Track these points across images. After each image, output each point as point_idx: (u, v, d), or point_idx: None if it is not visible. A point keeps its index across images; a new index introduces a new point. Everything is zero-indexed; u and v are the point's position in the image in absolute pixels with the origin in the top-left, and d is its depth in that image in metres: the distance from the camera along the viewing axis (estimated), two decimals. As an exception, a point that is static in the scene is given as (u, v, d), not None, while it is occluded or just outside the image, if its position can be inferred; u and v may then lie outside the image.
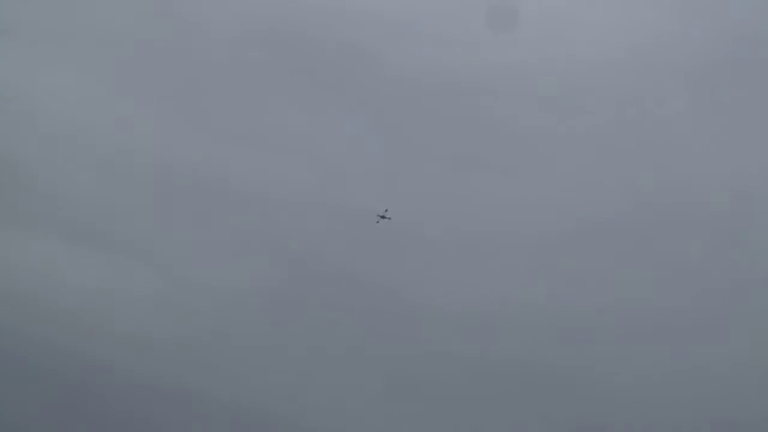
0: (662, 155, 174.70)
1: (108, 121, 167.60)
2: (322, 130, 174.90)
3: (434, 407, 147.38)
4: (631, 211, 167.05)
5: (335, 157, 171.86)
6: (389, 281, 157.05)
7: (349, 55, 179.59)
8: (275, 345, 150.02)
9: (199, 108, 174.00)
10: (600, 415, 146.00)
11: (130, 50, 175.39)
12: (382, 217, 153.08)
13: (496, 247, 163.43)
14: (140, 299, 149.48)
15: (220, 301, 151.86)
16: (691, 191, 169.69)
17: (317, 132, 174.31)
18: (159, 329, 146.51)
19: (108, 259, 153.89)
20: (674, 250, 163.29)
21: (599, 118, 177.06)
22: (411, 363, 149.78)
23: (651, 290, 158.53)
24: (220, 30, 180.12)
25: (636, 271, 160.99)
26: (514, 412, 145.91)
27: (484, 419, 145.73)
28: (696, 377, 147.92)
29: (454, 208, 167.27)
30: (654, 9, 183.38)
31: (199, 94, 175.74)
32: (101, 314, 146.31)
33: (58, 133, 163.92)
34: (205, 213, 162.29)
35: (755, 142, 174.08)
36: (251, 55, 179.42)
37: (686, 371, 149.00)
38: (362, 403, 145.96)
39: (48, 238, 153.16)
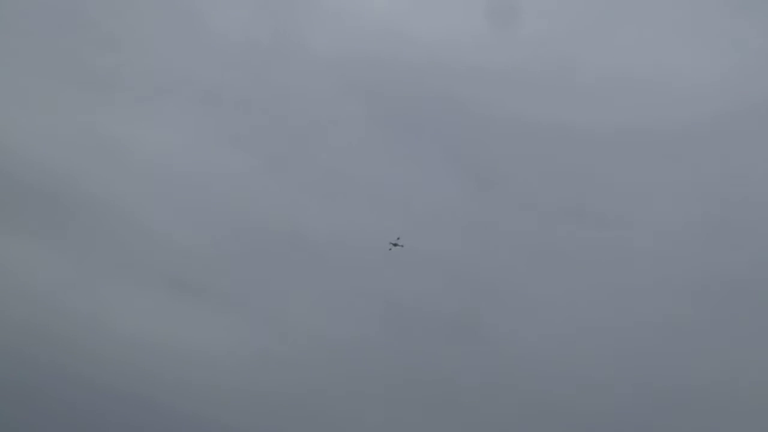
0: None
1: (208, 175, 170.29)
2: (417, 181, 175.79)
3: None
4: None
5: (430, 207, 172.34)
6: (488, 329, 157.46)
7: (444, 107, 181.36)
8: (374, 394, 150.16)
9: (298, 162, 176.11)
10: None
11: (230, 106, 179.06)
12: (395, 244, 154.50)
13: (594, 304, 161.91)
14: (243, 353, 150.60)
15: (320, 353, 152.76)
16: None
17: (412, 183, 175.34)
18: (261, 383, 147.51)
19: (210, 313, 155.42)
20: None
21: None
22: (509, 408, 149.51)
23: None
24: (317, 87, 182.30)
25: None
26: None
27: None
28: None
29: (553, 259, 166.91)
30: None
31: (297, 149, 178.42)
32: (205, 370, 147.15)
33: (159, 185, 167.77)
34: (302, 265, 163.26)
35: None
36: (347, 110, 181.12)
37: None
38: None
39: (153, 291, 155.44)
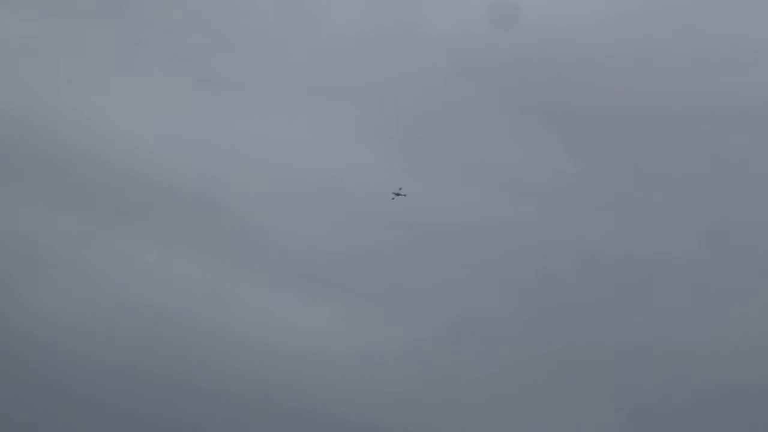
0: None
1: (334, 171, 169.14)
2: (540, 163, 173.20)
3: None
4: None
5: (556, 190, 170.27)
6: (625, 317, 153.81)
7: (564, 86, 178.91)
8: (511, 377, 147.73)
9: (414, 149, 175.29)
10: None
11: (351, 100, 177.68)
12: (397, 194, 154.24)
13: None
14: (375, 350, 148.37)
15: (450, 340, 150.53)
16: None
17: (534, 166, 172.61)
18: (395, 378, 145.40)
19: (338, 308, 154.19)
20: None
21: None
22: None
23: None
24: (430, 69, 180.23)
25: None
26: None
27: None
28: None
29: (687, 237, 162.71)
30: None
31: (413, 135, 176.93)
32: (336, 370, 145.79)
33: (284, 184, 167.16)
34: (433, 256, 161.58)
35: None
36: (463, 91, 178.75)
37: None
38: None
39: (283, 289, 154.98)
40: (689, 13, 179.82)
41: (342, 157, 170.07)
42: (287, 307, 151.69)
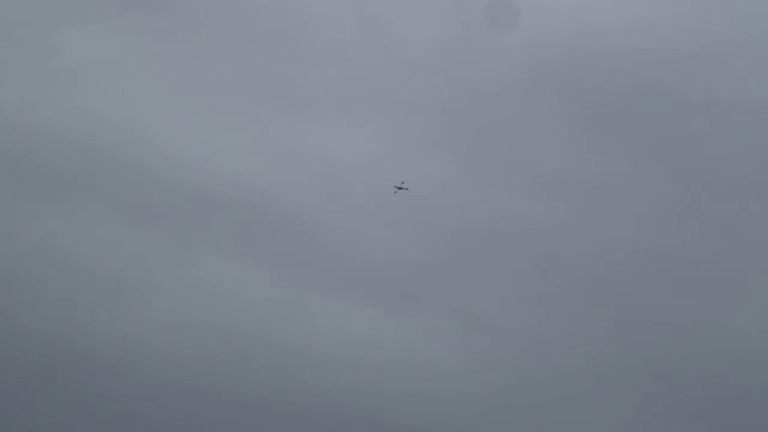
0: None
1: (408, 183, 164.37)
2: (621, 175, 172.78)
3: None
4: None
5: (637, 201, 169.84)
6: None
7: (647, 94, 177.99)
8: (591, 392, 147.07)
9: (498, 163, 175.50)
10: None
11: (425, 111, 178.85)
12: (399, 188, 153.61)
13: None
14: (455, 359, 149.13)
15: (527, 349, 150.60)
16: None
17: (616, 177, 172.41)
18: (477, 386, 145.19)
19: (415, 320, 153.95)
20: None
21: None
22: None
23: None
24: (510, 85, 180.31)
25: None
26: None
27: None
28: None
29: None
30: None
31: (497, 149, 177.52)
32: (416, 380, 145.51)
33: (358, 198, 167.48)
34: (510, 264, 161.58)
35: None
36: (535, 99, 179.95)
37: None
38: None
39: (360, 303, 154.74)
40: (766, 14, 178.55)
41: (416, 169, 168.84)
42: (364, 320, 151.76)
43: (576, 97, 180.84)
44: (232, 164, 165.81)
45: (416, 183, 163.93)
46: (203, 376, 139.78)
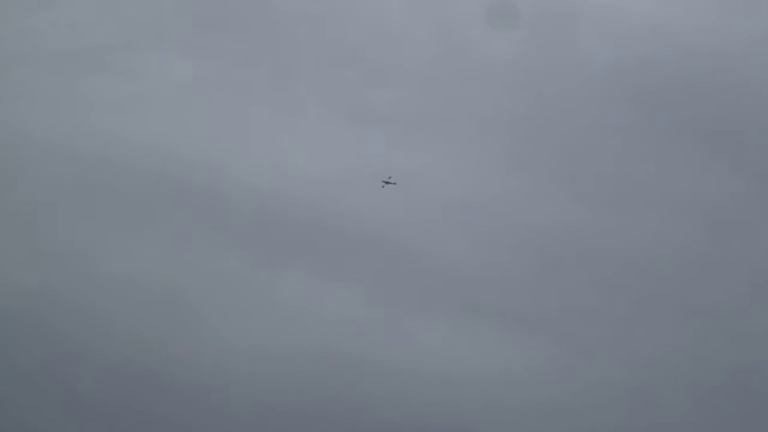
0: None
1: (491, 198, 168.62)
2: (701, 183, 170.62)
3: None
4: None
5: (720, 211, 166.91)
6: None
7: (722, 108, 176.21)
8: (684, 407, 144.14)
9: (570, 176, 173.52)
10: None
11: (505, 127, 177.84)
12: (387, 182, 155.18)
13: None
14: (546, 374, 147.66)
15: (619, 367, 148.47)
16: None
17: (693, 192, 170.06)
18: (559, 399, 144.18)
19: (504, 333, 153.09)
20: None
21: None
22: None
23: None
24: (588, 96, 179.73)
25: None
26: None
27: None
28: None
29: None
30: None
31: (569, 162, 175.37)
32: (506, 393, 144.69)
33: (440, 215, 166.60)
34: (595, 279, 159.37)
35: None
36: (619, 117, 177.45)
37: None
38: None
39: (442, 319, 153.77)
40: None
41: (498, 186, 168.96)
42: (448, 335, 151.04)
43: (661, 115, 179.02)
44: (314, 185, 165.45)
45: (499, 200, 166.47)
46: (296, 400, 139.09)
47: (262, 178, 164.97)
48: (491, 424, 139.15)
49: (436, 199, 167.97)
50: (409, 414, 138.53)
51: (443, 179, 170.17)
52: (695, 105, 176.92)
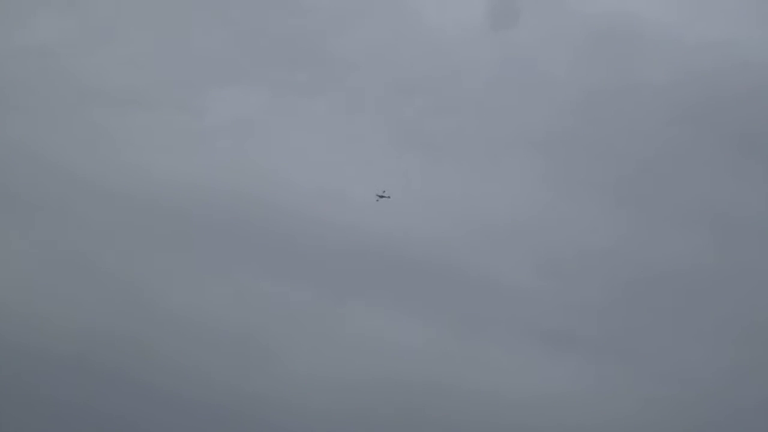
0: None
1: (559, 223, 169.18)
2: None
3: None
4: None
5: None
6: None
7: None
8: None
9: (636, 198, 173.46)
10: None
11: (570, 153, 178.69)
12: (381, 196, 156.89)
13: None
14: (624, 401, 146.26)
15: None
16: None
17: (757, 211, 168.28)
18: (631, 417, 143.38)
19: (582, 364, 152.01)
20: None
21: None
22: None
23: None
24: (647, 117, 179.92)
25: None
26: None
27: None
28: None
29: None
30: None
31: (635, 184, 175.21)
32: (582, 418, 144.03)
33: (514, 241, 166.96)
34: (661, 304, 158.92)
35: None
36: (683, 137, 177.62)
37: None
38: None
39: (527, 346, 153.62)
40: None
41: (569, 211, 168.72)
42: (532, 363, 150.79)
43: (724, 133, 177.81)
44: (380, 216, 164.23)
45: (570, 224, 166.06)
46: (373, 429, 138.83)
47: (327, 211, 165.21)
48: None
49: (501, 228, 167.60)
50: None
51: (508, 208, 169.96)
52: (753, 121, 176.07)
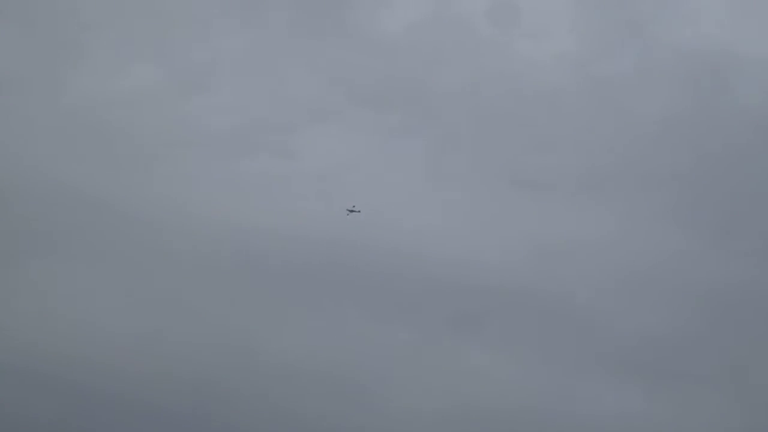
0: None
1: (650, 256, 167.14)
2: None
3: None
4: None
5: None
6: None
7: None
8: None
9: (730, 229, 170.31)
10: None
11: (654, 182, 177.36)
12: (351, 211, 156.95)
13: None
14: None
15: None
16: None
17: None
18: None
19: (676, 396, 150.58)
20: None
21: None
22: None
23: None
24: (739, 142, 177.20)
25: None
26: None
27: None
28: None
29: None
30: None
31: (729, 215, 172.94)
32: None
33: (612, 276, 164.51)
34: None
35: None
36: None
37: None
38: None
39: (623, 381, 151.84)
40: None
41: (663, 244, 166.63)
42: (630, 398, 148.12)
43: None
44: (482, 252, 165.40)
45: (663, 257, 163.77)
46: None
47: (427, 250, 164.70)
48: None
49: (598, 262, 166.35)
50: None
51: (603, 240, 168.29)
52: None
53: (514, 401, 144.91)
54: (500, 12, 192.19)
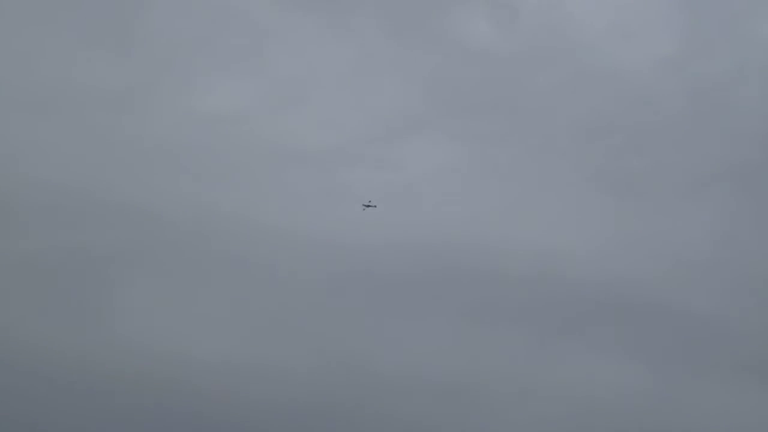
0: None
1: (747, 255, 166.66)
2: None
3: None
4: None
5: None
6: None
7: None
8: None
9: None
10: None
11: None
12: (367, 206, 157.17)
13: None
14: None
15: None
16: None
17: None
18: None
19: None
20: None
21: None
22: None
23: None
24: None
25: None
26: None
27: None
28: None
29: None
30: None
31: None
32: None
33: (713, 277, 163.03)
34: None
35: None
36: None
37: None
38: None
39: (737, 383, 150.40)
40: None
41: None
42: (749, 402, 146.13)
43: None
44: (587, 259, 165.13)
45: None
46: None
47: (537, 254, 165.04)
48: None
49: (700, 264, 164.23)
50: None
51: (705, 242, 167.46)
52: None
53: (628, 405, 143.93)
54: (595, 15, 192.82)
